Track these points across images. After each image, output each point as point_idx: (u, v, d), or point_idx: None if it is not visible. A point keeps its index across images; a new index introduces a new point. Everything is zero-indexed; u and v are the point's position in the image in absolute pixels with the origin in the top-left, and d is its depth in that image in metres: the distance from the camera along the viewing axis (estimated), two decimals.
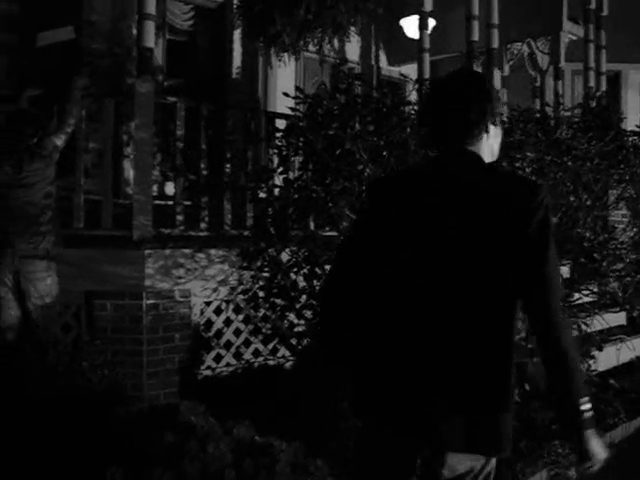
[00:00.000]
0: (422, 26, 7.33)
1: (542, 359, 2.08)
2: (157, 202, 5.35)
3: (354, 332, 2.18)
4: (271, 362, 5.66)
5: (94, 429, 3.96)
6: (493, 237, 2.02)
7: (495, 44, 7.32)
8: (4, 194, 4.66)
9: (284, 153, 4.87)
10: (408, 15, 8.64)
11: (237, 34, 7.84)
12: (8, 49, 7.00)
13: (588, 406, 1.99)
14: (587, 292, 5.58)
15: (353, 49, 8.92)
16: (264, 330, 5.55)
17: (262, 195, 5.11)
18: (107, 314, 5.05)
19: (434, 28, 7.96)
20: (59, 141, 4.75)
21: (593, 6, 8.69)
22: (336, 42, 7.90)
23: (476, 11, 7.22)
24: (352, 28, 7.53)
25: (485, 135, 2.15)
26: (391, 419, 2.08)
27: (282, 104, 5.54)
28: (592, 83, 8.61)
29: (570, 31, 8.83)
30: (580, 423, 1.98)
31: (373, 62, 9.38)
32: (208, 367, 5.43)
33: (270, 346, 5.67)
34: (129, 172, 6.33)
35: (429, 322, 2.04)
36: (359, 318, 2.18)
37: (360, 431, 2.20)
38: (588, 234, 5.43)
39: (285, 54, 7.33)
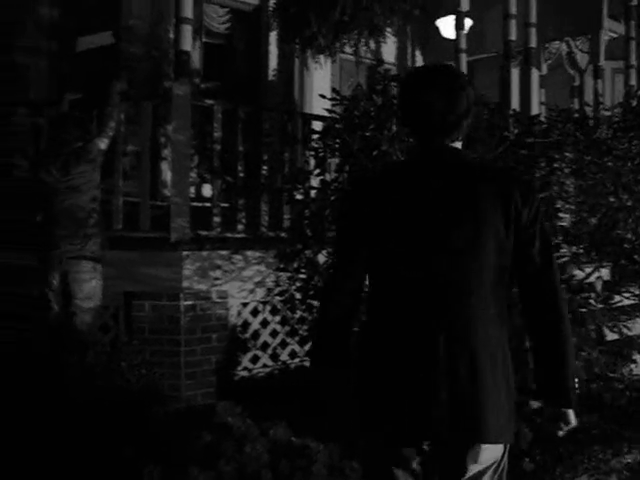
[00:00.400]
0: (458, 26, 7.28)
1: (541, 345, 2.15)
2: (194, 204, 5.38)
3: (349, 335, 2.17)
4: (307, 363, 5.66)
5: (132, 429, 4.00)
6: (495, 235, 2.06)
7: (533, 43, 7.23)
8: (51, 197, 4.74)
9: (320, 155, 4.87)
10: (444, 15, 8.58)
11: (273, 36, 7.86)
12: (49, 54, 7.11)
13: (577, 386, 2.17)
14: (628, 294, 5.49)
15: (389, 50, 8.89)
16: (301, 331, 5.55)
17: (299, 197, 5.12)
18: (145, 315, 5.11)
19: (471, 28, 7.89)
20: (103, 144, 4.81)
21: (635, 2, 8.54)
22: (372, 43, 7.87)
23: (514, 10, 7.15)
24: (388, 29, 7.50)
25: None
26: (401, 427, 2.06)
27: (318, 106, 5.54)
28: (633, 81, 8.46)
29: (610, 29, 8.69)
30: (572, 402, 2.13)
31: (409, 63, 9.33)
32: (245, 368, 5.46)
33: (307, 347, 5.68)
34: (167, 174, 6.38)
35: (433, 318, 2.05)
36: (358, 320, 2.20)
37: (367, 447, 2.19)
38: (629, 235, 5.35)
39: (321, 56, 7.33)
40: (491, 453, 2.09)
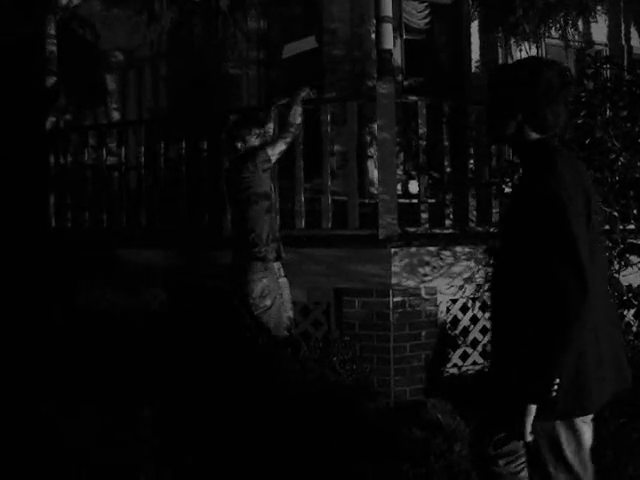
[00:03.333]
0: None
1: None
2: (401, 201, 5.41)
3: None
4: None
5: (344, 422, 4.11)
6: None
7: None
8: (231, 202, 4.98)
9: None
10: None
11: (474, 27, 7.70)
12: (258, 63, 7.52)
13: None
14: None
15: (599, 30, 8.36)
16: None
17: (507, 190, 4.99)
18: (355, 311, 5.20)
19: None
20: (271, 150, 4.81)
21: None
22: (580, 25, 7.46)
23: None
24: (598, 7, 7.08)
25: None
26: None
27: None
28: None
29: None
30: None
31: (623, 42, 8.72)
32: (454, 365, 5.40)
33: None
34: (373, 172, 6.46)
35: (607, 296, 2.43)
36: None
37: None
38: None
39: (525, 43, 7.08)
40: None
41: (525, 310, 2.21)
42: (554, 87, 2.29)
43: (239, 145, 4.91)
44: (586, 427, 2.29)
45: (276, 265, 4.82)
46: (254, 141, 4.91)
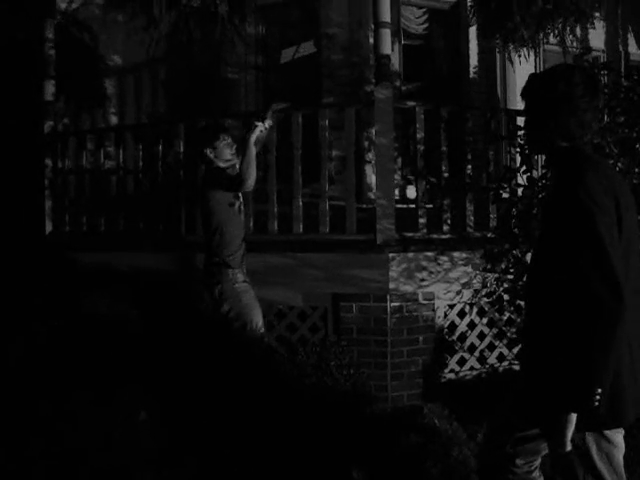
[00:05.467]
0: None
1: None
2: (399, 206, 5.42)
3: None
4: (516, 367, 5.50)
5: (343, 427, 4.10)
6: None
7: None
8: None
9: (527, 151, 4.72)
10: None
11: (472, 33, 7.72)
12: (257, 68, 7.54)
13: None
14: None
15: (597, 36, 8.39)
16: (509, 334, 5.41)
17: (505, 195, 5.00)
18: (352, 316, 5.21)
19: None
20: (226, 187, 4.79)
21: None
22: (578, 31, 7.47)
23: None
24: (596, 14, 7.10)
25: None
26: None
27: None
28: None
29: None
30: None
31: (620, 48, 8.74)
32: (451, 370, 5.40)
33: (515, 350, 5.51)
34: (371, 177, 6.46)
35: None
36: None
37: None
38: None
39: (524, 49, 7.08)
40: None
41: (560, 319, 2.18)
42: (575, 96, 2.27)
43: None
44: (620, 437, 2.28)
45: (230, 272, 4.76)
46: (210, 154, 4.90)
